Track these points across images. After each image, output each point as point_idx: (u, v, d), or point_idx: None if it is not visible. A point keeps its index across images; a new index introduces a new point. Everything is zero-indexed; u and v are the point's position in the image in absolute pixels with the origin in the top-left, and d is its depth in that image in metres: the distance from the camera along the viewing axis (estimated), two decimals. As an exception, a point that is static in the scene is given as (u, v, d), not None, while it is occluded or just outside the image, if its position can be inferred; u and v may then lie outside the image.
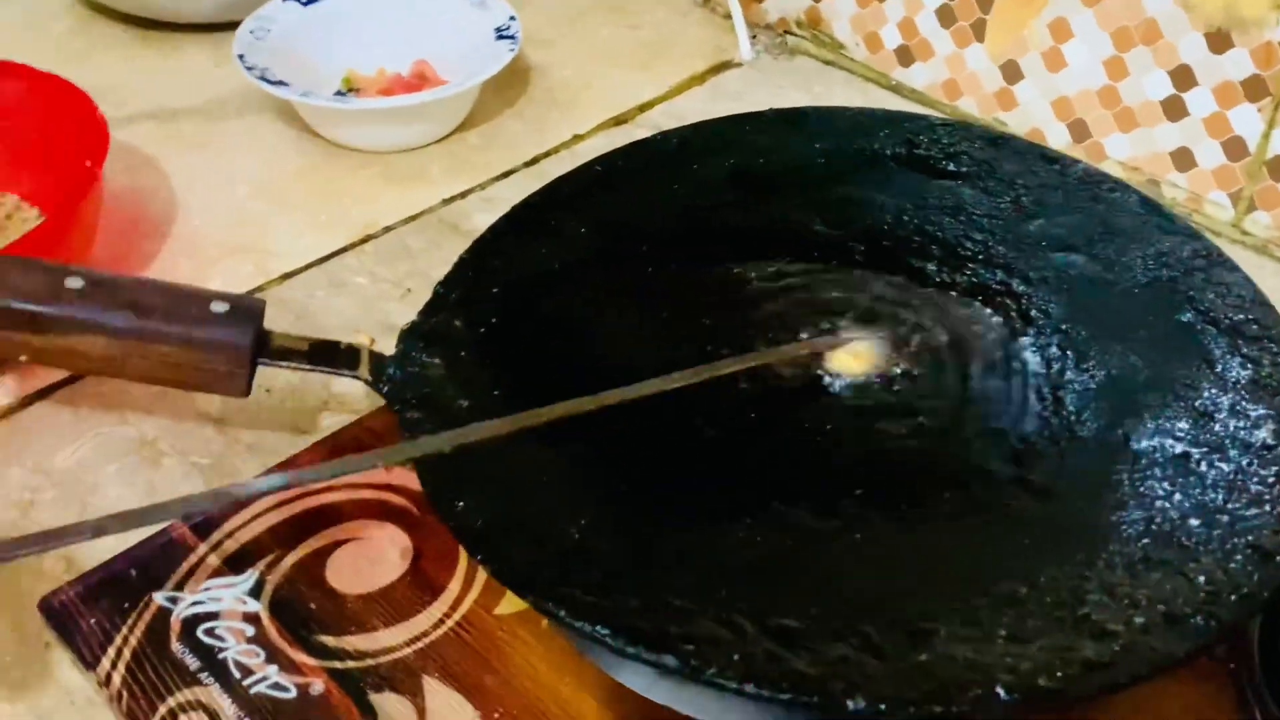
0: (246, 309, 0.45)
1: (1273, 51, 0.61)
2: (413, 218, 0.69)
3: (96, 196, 0.58)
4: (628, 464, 0.44)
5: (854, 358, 0.48)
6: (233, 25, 0.77)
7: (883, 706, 0.35)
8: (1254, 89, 0.62)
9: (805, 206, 0.55)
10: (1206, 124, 0.65)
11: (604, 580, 0.39)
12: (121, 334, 0.43)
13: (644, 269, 0.52)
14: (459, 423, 0.44)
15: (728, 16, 0.83)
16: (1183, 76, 0.64)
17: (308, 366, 0.46)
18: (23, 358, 0.44)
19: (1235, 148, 0.64)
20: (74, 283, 0.43)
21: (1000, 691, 0.35)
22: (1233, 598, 0.38)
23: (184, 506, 0.41)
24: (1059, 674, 0.35)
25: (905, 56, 0.77)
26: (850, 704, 0.35)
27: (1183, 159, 0.66)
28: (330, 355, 0.46)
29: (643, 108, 0.78)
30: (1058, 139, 0.71)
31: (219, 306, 0.45)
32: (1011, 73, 0.72)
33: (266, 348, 0.45)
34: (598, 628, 0.37)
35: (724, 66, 0.82)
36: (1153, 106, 0.66)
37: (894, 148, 0.56)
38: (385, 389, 0.46)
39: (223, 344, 0.44)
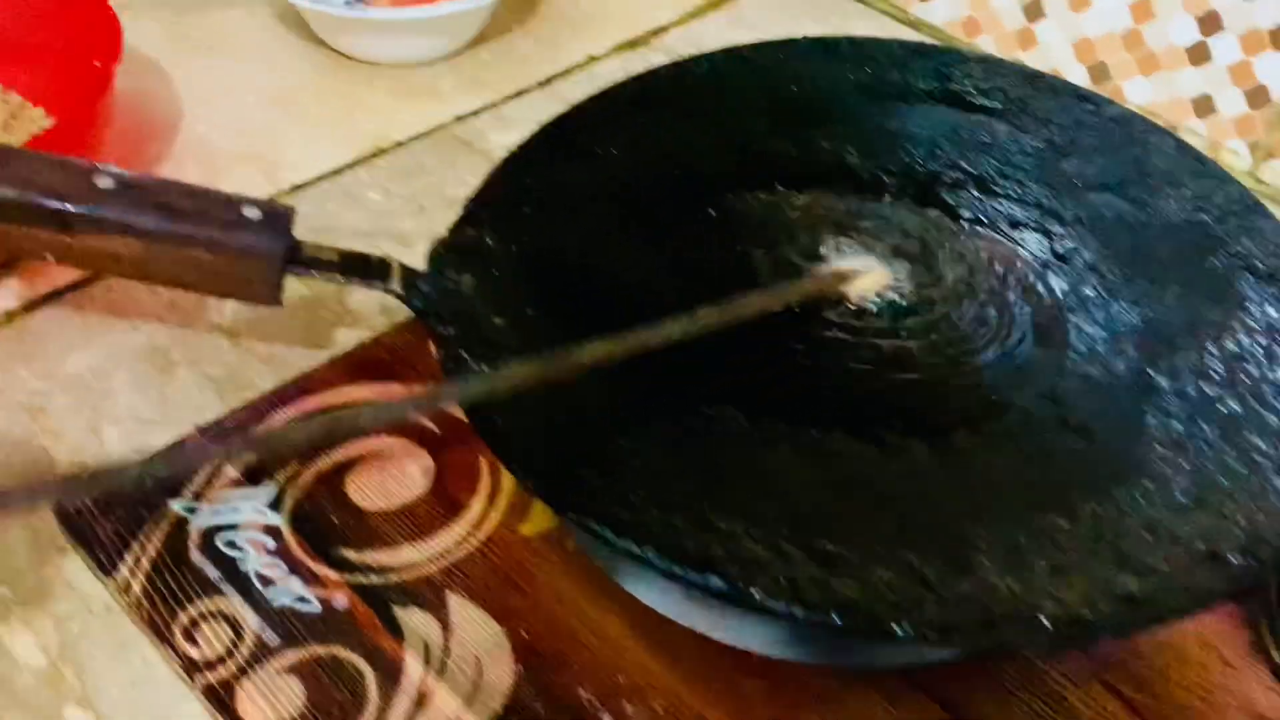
0: (279, 215, 0.44)
1: (1305, 0, 0.61)
2: (425, 134, 0.67)
3: (108, 99, 0.57)
4: (669, 386, 0.43)
5: (880, 286, 0.48)
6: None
7: (928, 633, 0.35)
8: (1282, 37, 0.62)
9: (839, 137, 0.54)
10: (1231, 71, 0.65)
11: (648, 500, 0.38)
12: (152, 236, 0.42)
13: (678, 194, 0.52)
14: (493, 340, 0.44)
15: (745, -57, 0.82)
16: (1210, 22, 0.64)
17: (339, 277, 0.45)
18: (49, 256, 0.42)
19: (1258, 96, 0.64)
20: (104, 182, 0.42)
21: (1044, 621, 0.35)
22: (1270, 538, 0.38)
23: (219, 452, 0.41)
24: (1101, 606, 0.36)
25: (925, -9, 0.76)
26: (897, 629, 0.35)
27: (1203, 106, 0.66)
28: (362, 267, 0.45)
29: (657, 32, 0.76)
30: (1076, 80, 0.70)
31: (251, 212, 0.43)
32: (1033, 11, 0.71)
33: (297, 256, 0.44)
34: (644, 548, 0.37)
35: (739, -9, 0.80)
36: (1177, 51, 0.66)
37: (928, 81, 0.56)
38: (418, 303, 0.45)
39: (255, 250, 0.43)
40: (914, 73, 0.56)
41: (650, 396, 0.43)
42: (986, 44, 0.74)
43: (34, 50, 0.61)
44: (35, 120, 0.60)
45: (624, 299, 0.46)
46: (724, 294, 0.44)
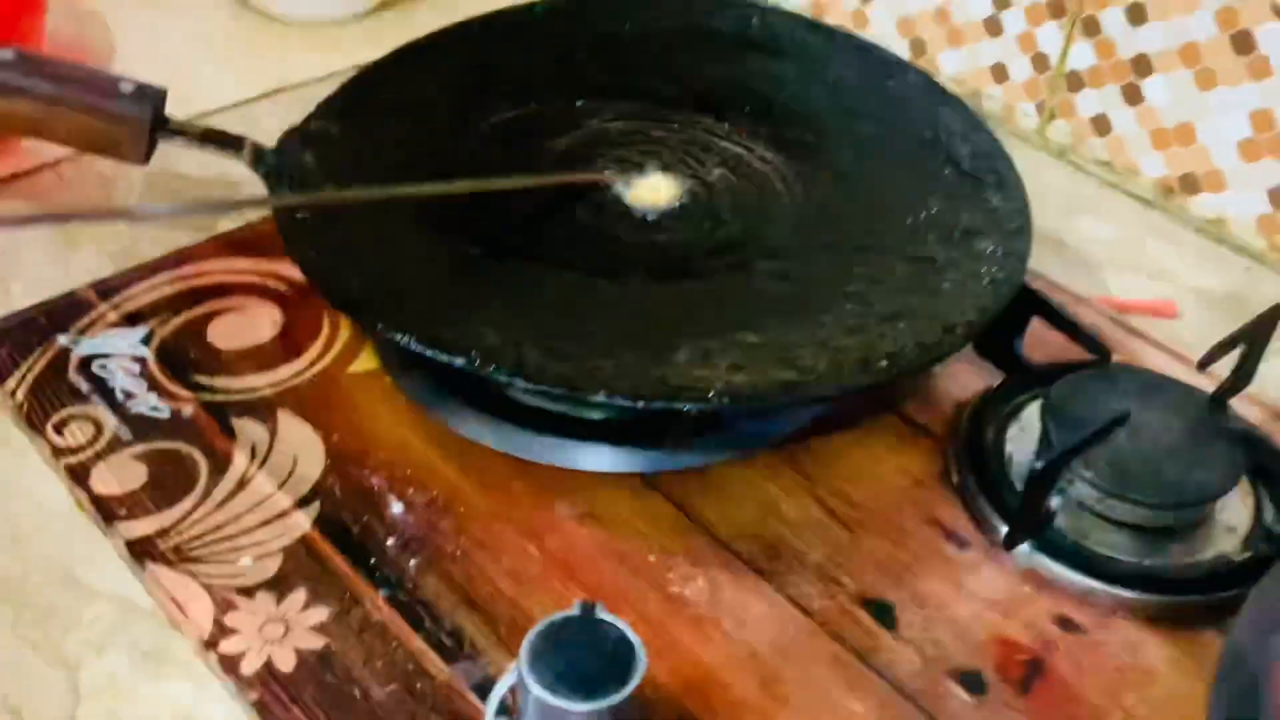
0: (150, 92, 0.54)
1: (1069, -24, 0.71)
2: (323, 78, 0.77)
3: (37, 18, 0.67)
4: (462, 231, 0.53)
5: (651, 191, 0.58)
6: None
7: (620, 399, 0.44)
8: (1056, 7, 0.72)
9: (648, 69, 0.64)
10: (1019, 40, 0.75)
11: (424, 308, 0.48)
12: (43, 98, 0.52)
13: (502, 105, 0.61)
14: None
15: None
16: (1000, -3, 0.74)
17: (197, 145, 0.55)
18: (-46, 114, 0.52)
19: (1040, 63, 0.74)
20: (5, 55, 0.52)
21: (711, 395, 0.44)
22: (909, 354, 0.47)
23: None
24: (760, 387, 0.45)
25: (780, -22, 0.86)
26: (595, 396, 0.44)
27: (999, 73, 0.76)
28: (219, 139, 0.55)
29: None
30: (900, 54, 0.80)
31: (126, 86, 0.53)
32: (865, -7, 0.81)
33: (164, 125, 0.54)
34: (406, 335, 0.46)
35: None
36: (976, 26, 0.76)
37: (730, 27, 0.66)
38: (261, 170, 0.55)
39: (127, 115, 0.53)
40: (721, 21, 0.66)
41: (441, 239, 0.52)
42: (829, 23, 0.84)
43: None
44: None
45: (440, 175, 0.56)
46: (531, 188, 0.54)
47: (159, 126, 0.54)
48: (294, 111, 0.73)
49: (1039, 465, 0.47)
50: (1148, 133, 0.71)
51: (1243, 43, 0.65)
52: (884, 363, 0.46)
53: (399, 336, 0.46)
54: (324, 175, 0.55)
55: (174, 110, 0.72)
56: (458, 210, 0.55)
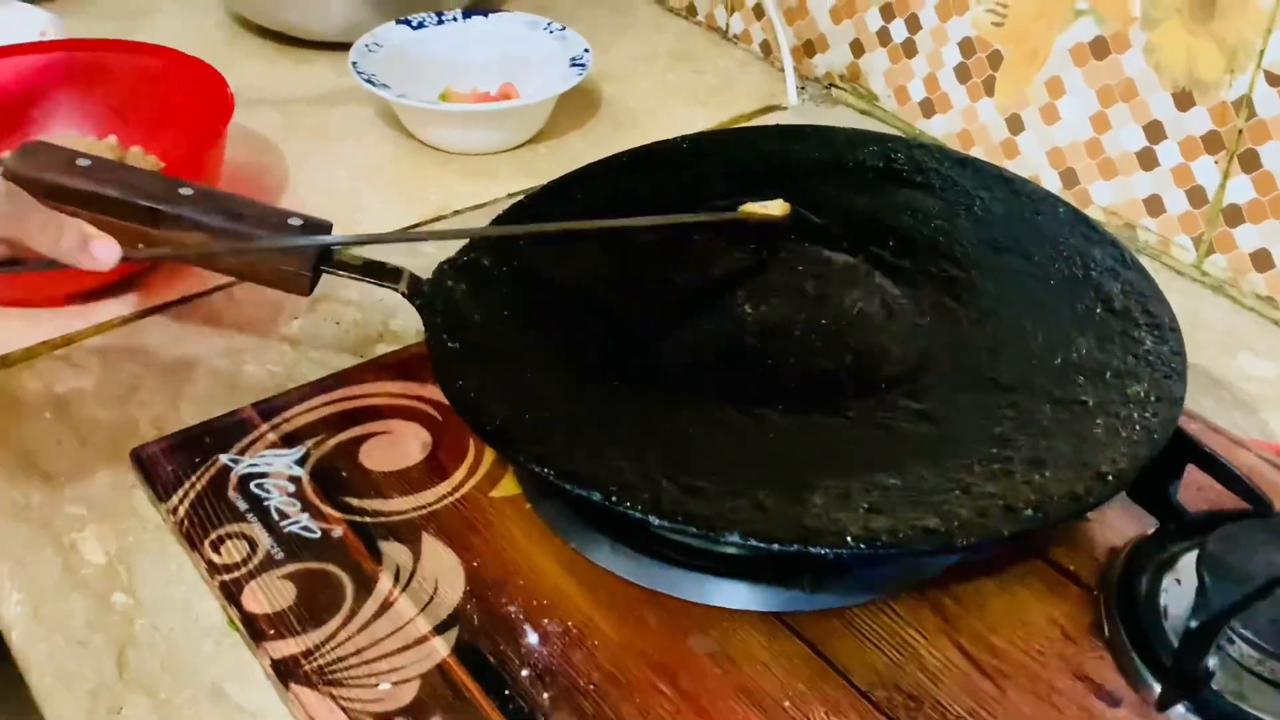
0: (317, 225, 0.57)
1: (1226, 109, 0.69)
2: (479, 205, 0.81)
3: (217, 153, 0.71)
4: (600, 368, 0.54)
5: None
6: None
7: (755, 541, 0.44)
8: (1212, 143, 0.71)
9: (790, 197, 0.65)
10: (1174, 174, 0.73)
11: (563, 441, 0.49)
12: (217, 232, 0.55)
13: (644, 236, 0.63)
14: (469, 329, 0.55)
15: (783, 69, 0.94)
16: (1154, 130, 0.73)
17: (359, 277, 0.58)
18: (140, 245, 0.56)
19: (1197, 196, 0.72)
20: (185, 190, 0.56)
21: (849, 539, 0.44)
22: (1060, 502, 0.46)
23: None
24: (900, 534, 0.44)
25: (928, 108, 0.87)
26: (730, 537, 0.44)
27: (1154, 205, 0.75)
28: (378, 271, 0.58)
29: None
30: (1051, 185, 0.80)
31: (295, 220, 0.56)
32: (1015, 124, 0.81)
33: (329, 258, 0.57)
34: (544, 467, 0.47)
35: (771, 109, 0.93)
36: (1129, 157, 0.75)
37: (875, 161, 0.66)
38: (417, 300, 0.57)
39: (294, 251, 0.56)
40: (865, 154, 0.67)
41: (582, 371, 0.53)
42: (978, 154, 0.84)
43: (161, 115, 0.77)
44: (150, 164, 0.75)
45: (583, 305, 0.57)
46: (664, 307, 0.56)
47: (324, 260, 0.57)
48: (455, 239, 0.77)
49: (1195, 623, 0.45)
50: (1314, 269, 0.68)
51: None
52: (1031, 512, 0.45)
53: (537, 469, 0.47)
54: (475, 307, 0.57)
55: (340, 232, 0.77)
56: (599, 337, 0.56)
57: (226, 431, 0.61)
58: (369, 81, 0.83)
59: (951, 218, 0.63)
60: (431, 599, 0.53)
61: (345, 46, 0.95)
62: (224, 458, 0.59)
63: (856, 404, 0.52)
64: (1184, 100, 0.71)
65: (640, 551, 0.52)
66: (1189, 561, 0.52)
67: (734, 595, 0.51)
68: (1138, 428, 0.49)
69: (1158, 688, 0.48)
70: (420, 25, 0.91)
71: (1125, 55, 0.73)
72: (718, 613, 0.52)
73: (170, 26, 1.02)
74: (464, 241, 0.62)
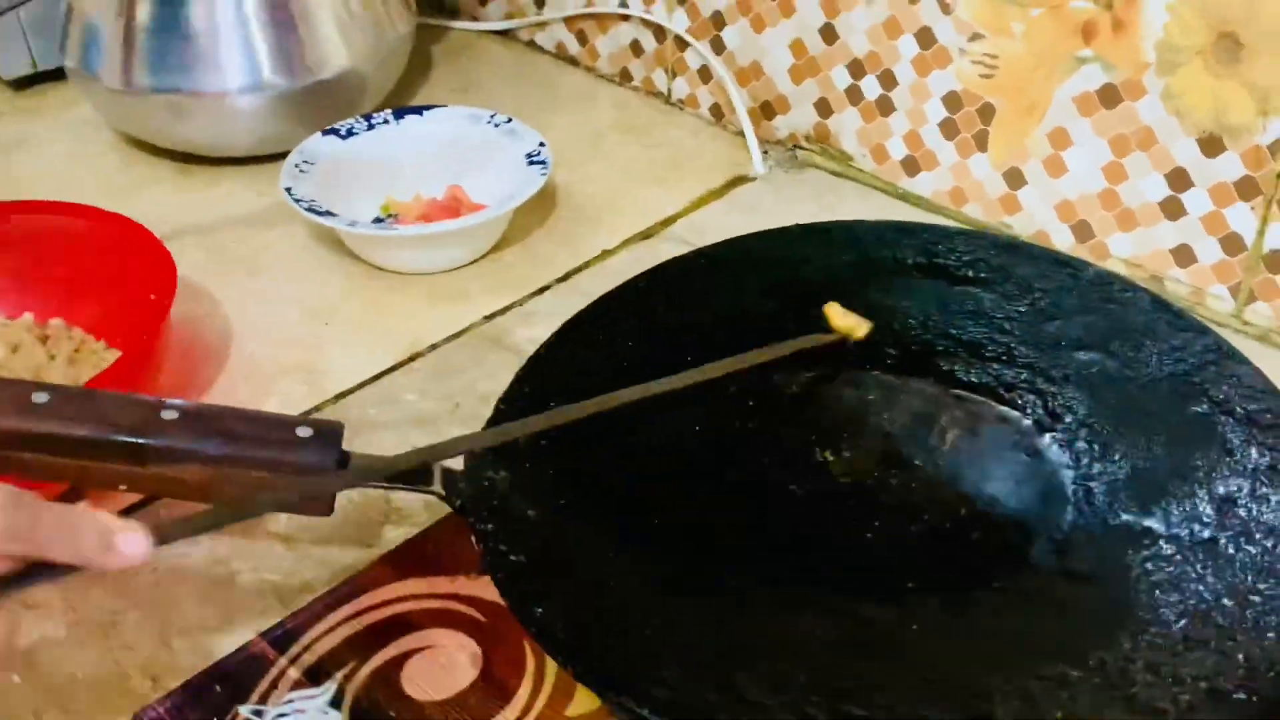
0: (329, 433, 0.48)
1: (1261, 154, 0.65)
2: (456, 335, 0.72)
3: (165, 328, 0.62)
4: (693, 563, 0.47)
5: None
6: (269, 157, 0.81)
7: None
8: (1246, 189, 0.66)
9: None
10: (1204, 222, 0.69)
11: (681, 675, 0.41)
12: (215, 461, 0.46)
13: (683, 365, 0.55)
14: (528, 532, 0.47)
15: (739, 133, 0.88)
16: (1178, 178, 0.69)
17: (386, 485, 0.49)
18: (123, 487, 0.47)
19: (1232, 244, 0.68)
20: (169, 414, 0.46)
21: (1063, 771, 0.38)
22: (1270, 674, 0.40)
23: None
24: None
25: (911, 167, 0.81)
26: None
27: (1183, 255, 0.70)
28: (407, 477, 0.49)
29: (665, 222, 0.82)
30: (1062, 240, 0.75)
31: (304, 431, 0.48)
32: (1014, 179, 0.76)
33: (348, 469, 0.48)
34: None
35: (739, 181, 0.86)
36: (1151, 207, 0.71)
37: (915, 257, 0.60)
38: (458, 503, 0.49)
39: (309, 467, 0.47)
40: (901, 249, 0.61)
41: (676, 571, 0.46)
42: (974, 211, 0.79)
43: (95, 288, 0.67)
44: (98, 353, 0.65)
45: (643, 480, 0.50)
46: (736, 468, 0.48)
47: (342, 469, 0.48)
48: (434, 381, 0.69)
49: None
50: (1371, 313, 0.65)
51: None
52: (1243, 695, 0.39)
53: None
54: (525, 499, 0.49)
55: (307, 394, 0.68)
56: (675, 520, 0.49)
57: (238, 674, 0.52)
58: (311, 210, 0.74)
59: (1016, 317, 0.57)
60: None
61: (256, 160, 0.86)
62: (245, 710, 0.50)
63: (996, 570, 0.46)
64: (1211, 146, 0.67)
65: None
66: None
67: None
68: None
69: None
70: (350, 133, 0.82)
71: (1140, 102, 0.69)
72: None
73: (53, 155, 0.90)
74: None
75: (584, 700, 0.50)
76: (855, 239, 0.62)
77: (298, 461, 0.47)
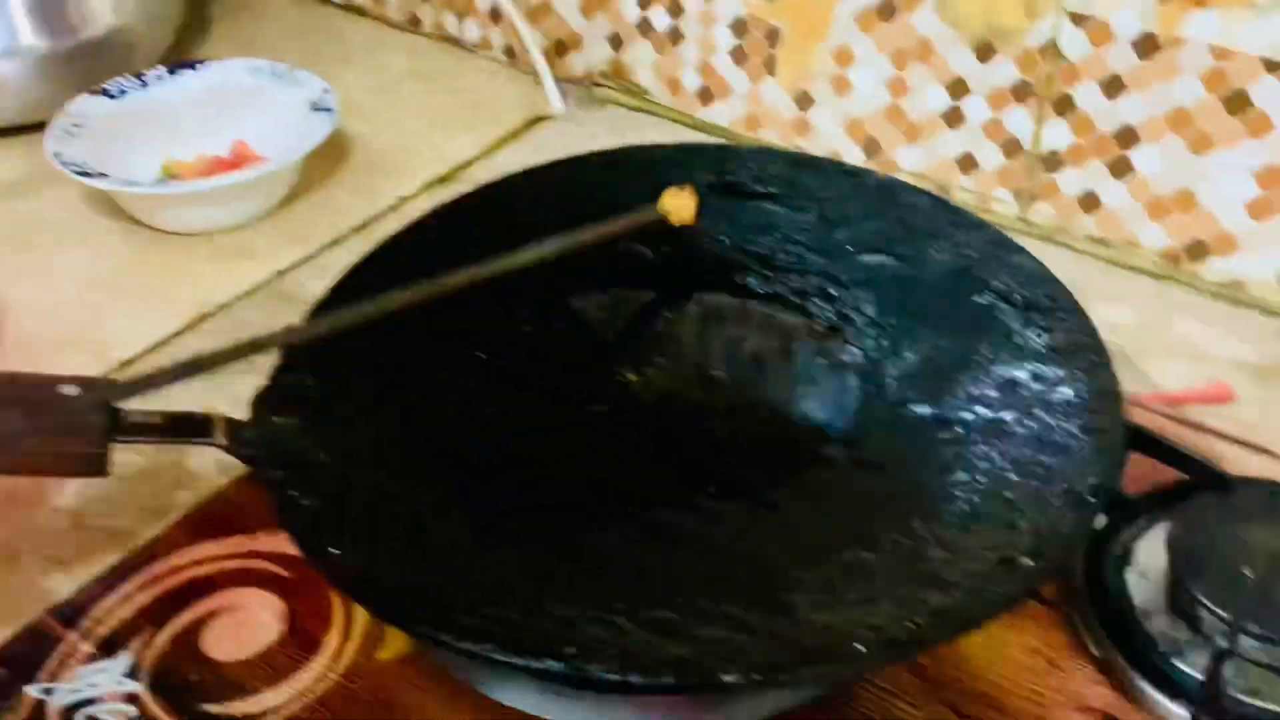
0: (95, 389, 0.46)
1: (1033, 57, 0.67)
2: (247, 293, 0.69)
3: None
4: (493, 492, 0.46)
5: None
6: (37, 125, 0.77)
7: (755, 675, 0.37)
8: (1021, 92, 0.68)
9: (631, 238, 0.58)
10: (985, 129, 0.71)
11: (485, 600, 0.40)
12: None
13: (480, 310, 0.54)
14: (321, 476, 0.46)
15: (535, 74, 0.87)
16: (958, 88, 0.70)
17: (163, 439, 0.47)
18: None
19: (1012, 148, 0.70)
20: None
21: (859, 647, 0.38)
22: (1055, 539, 0.42)
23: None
24: (909, 624, 0.39)
25: (706, 96, 0.81)
26: (727, 678, 0.37)
27: (967, 163, 0.72)
28: (185, 425, 0.47)
29: (464, 166, 0.80)
30: (854, 158, 0.76)
31: (69, 389, 0.45)
32: (804, 101, 0.77)
33: (120, 425, 0.46)
34: (483, 645, 0.38)
35: (538, 120, 0.85)
36: (934, 118, 0.72)
37: (706, 176, 0.60)
38: (245, 452, 0.47)
39: (77, 425, 0.44)
40: (693, 170, 0.60)
41: (477, 501, 0.45)
42: (770, 136, 0.80)
43: None
44: None
45: (446, 415, 0.48)
46: (543, 405, 0.47)
47: (114, 428, 0.45)
48: (224, 340, 0.65)
49: (1223, 644, 0.42)
50: (1143, 205, 0.67)
51: (1237, 102, 0.62)
52: (1030, 561, 0.40)
53: (476, 648, 0.38)
54: (317, 445, 0.47)
55: (91, 365, 0.64)
56: (475, 449, 0.48)
57: (26, 654, 0.49)
58: (81, 173, 0.70)
59: (806, 227, 0.57)
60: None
61: (25, 129, 0.81)
62: (33, 690, 0.47)
63: (790, 467, 0.46)
64: (986, 52, 0.69)
65: (582, 687, 0.44)
66: (1146, 550, 0.50)
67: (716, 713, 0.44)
68: (1092, 432, 0.45)
69: (1173, 707, 0.44)
70: (121, 93, 0.77)
71: (916, 14, 0.70)
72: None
73: None
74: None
75: (395, 644, 0.49)
76: (647, 163, 0.61)
77: (65, 422, 0.44)
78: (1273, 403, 0.60)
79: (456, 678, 0.47)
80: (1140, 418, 0.58)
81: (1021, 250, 0.54)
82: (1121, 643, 0.46)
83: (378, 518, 0.44)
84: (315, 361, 0.51)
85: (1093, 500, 0.42)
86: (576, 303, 0.55)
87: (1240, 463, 0.55)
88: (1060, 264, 0.68)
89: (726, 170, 0.60)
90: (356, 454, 0.47)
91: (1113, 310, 0.66)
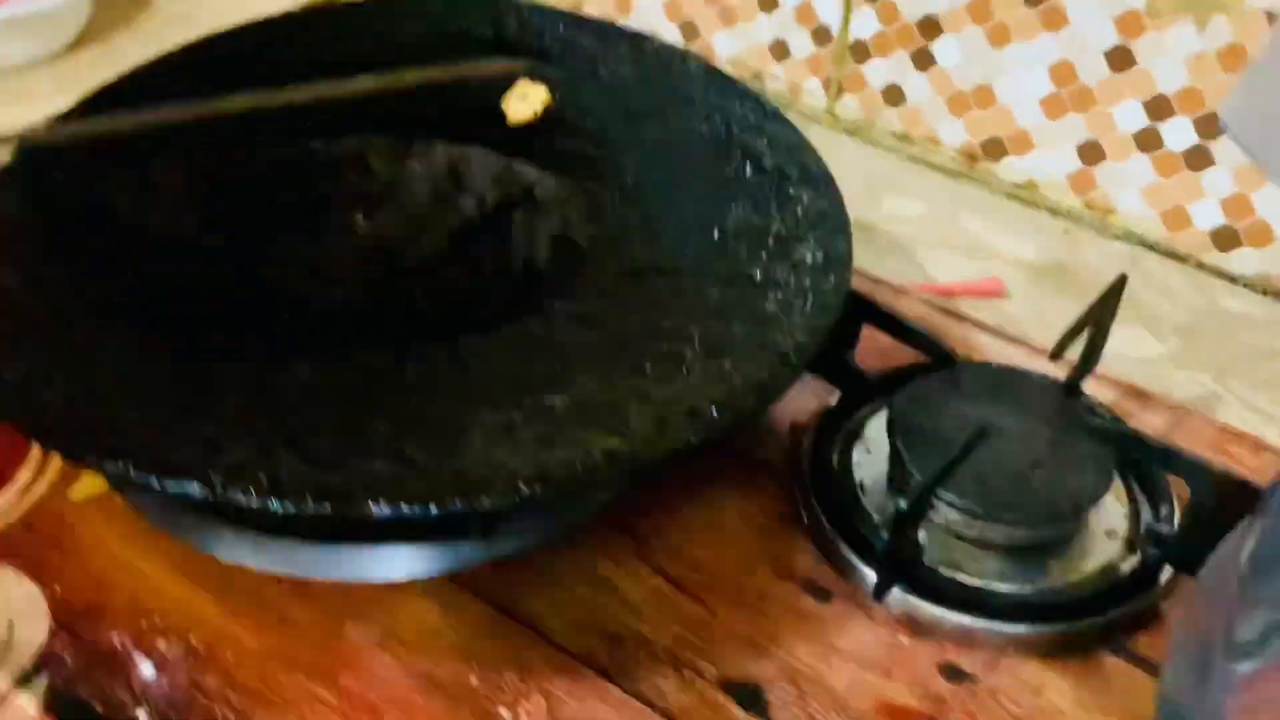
0: None
1: (841, -61, 0.65)
2: (19, 136, 0.66)
3: None
4: (185, 326, 0.43)
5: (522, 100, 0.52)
6: None
7: (405, 507, 0.36)
8: (831, -24, 0.67)
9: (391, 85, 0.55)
10: (796, 13, 0.69)
11: (142, 423, 0.38)
12: None
13: (223, 147, 0.52)
14: (7, 302, 0.43)
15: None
16: (770, -32, 0.68)
17: None
18: None
19: (822, 36, 0.69)
20: None
21: (520, 484, 0.36)
22: (746, 394, 0.40)
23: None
24: (580, 464, 0.37)
25: (530, -31, 0.78)
26: (374, 508, 0.36)
27: (779, 50, 0.70)
28: None
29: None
30: (672, 39, 0.74)
31: None
32: (625, -22, 0.74)
33: None
34: (122, 463, 0.36)
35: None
36: (750, 2, 0.70)
37: (482, 30, 0.58)
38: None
39: None
40: (468, 23, 0.58)
41: (172, 335, 0.43)
42: (592, 11, 0.76)
43: None
44: None
45: (157, 248, 0.46)
46: (264, 246, 0.45)
47: None
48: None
49: (904, 505, 0.41)
50: (944, 99, 0.66)
51: (1033, -7, 0.61)
52: (717, 412, 0.39)
53: (113, 465, 0.36)
54: (7, 268, 0.44)
55: None
56: (179, 283, 0.45)
57: None
58: None
59: (577, 89, 0.55)
60: (7, 646, 0.41)
61: None
62: None
63: (505, 317, 0.44)
64: (797, -67, 0.67)
65: (269, 532, 0.42)
66: (876, 426, 0.49)
67: (393, 564, 0.42)
68: (811, 296, 0.44)
69: (868, 572, 0.44)
70: (-104, -82, 0.72)
71: (731, -110, 0.68)
72: (378, 590, 0.43)
73: None
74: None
75: (89, 484, 0.47)
76: (421, 12, 0.58)
77: None
78: (1042, 299, 0.59)
79: (148, 522, 0.45)
80: (905, 305, 0.57)
81: (784, 120, 0.52)
82: (833, 513, 0.46)
83: (55, 346, 0.42)
84: (27, 184, 0.48)
85: (793, 361, 0.41)
86: (319, 146, 0.52)
87: (1001, 354, 0.55)
88: (863, 160, 0.67)
89: (504, 25, 0.58)
90: (49, 277, 0.45)
91: (904, 204, 0.65)
